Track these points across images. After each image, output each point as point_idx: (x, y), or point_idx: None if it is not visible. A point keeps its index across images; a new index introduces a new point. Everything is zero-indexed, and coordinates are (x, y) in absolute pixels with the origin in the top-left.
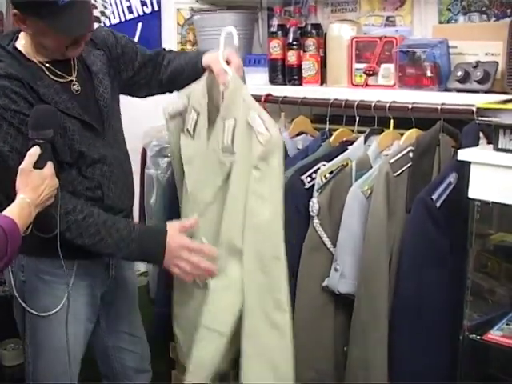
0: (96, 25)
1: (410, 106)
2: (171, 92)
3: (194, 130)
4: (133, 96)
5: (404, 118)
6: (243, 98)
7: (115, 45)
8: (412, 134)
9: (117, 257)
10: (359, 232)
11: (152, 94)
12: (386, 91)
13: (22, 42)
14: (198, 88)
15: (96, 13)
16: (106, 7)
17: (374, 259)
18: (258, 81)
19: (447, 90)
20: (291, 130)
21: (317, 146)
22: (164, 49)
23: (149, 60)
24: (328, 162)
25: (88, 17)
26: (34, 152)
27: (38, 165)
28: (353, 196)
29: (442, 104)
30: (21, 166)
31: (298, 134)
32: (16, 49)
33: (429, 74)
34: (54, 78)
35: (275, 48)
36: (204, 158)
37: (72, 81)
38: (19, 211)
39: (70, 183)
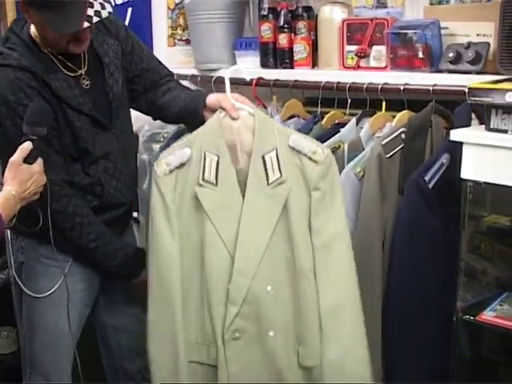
0: (86, 24)
1: (401, 88)
2: (155, 119)
3: (217, 176)
4: None
5: (396, 100)
6: (275, 127)
7: (125, 39)
8: (404, 115)
9: (101, 266)
10: (352, 214)
11: (139, 110)
12: (377, 73)
13: (33, 31)
14: (210, 131)
15: (90, 12)
16: (104, 7)
17: (367, 241)
18: (249, 64)
19: (439, 71)
20: (283, 113)
21: (309, 128)
22: (171, 74)
23: (151, 72)
24: None
25: (81, 14)
26: (27, 147)
27: (29, 160)
28: (345, 178)
29: (434, 85)
30: (11, 159)
31: (289, 118)
32: (30, 36)
33: (420, 55)
34: (65, 71)
35: (266, 31)
36: (244, 205)
37: (82, 75)
38: (4, 202)
39: (71, 177)
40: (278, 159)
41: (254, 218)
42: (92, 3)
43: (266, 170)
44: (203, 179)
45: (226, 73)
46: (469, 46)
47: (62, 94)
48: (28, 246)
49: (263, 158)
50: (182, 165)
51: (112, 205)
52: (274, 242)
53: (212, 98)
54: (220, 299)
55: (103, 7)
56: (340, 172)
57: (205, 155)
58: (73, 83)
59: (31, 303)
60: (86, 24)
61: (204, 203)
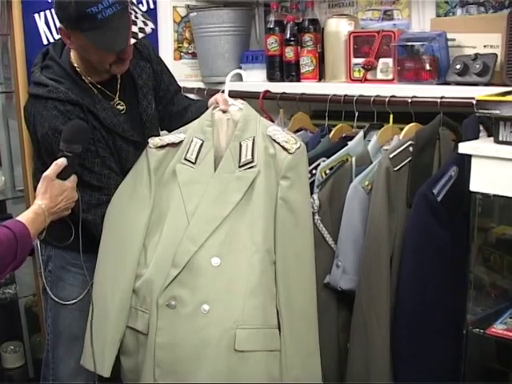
0: (133, 40)
1: (409, 100)
2: (162, 130)
3: (197, 157)
4: None
5: (403, 113)
6: (258, 120)
7: (156, 60)
8: (412, 128)
9: None
10: (360, 228)
11: None
12: (384, 86)
13: (74, 59)
14: (201, 121)
15: (134, 29)
16: (146, 24)
17: (375, 255)
18: (256, 78)
19: (446, 83)
20: (290, 126)
21: (316, 141)
22: (180, 88)
23: (171, 90)
24: (328, 157)
25: (126, 32)
26: (61, 163)
27: (62, 176)
28: (353, 192)
29: (442, 97)
30: (45, 173)
31: (297, 131)
32: (71, 66)
33: (428, 67)
34: (106, 100)
35: (273, 44)
36: (211, 181)
37: (116, 100)
38: (33, 217)
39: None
40: (253, 146)
41: (218, 193)
42: (135, 21)
43: (240, 153)
44: (185, 158)
45: (228, 76)
46: (476, 57)
47: (109, 122)
48: (56, 255)
49: (240, 143)
50: (173, 144)
51: None
52: (234, 220)
53: (211, 99)
54: (166, 265)
55: (146, 24)
56: (348, 186)
57: (192, 139)
58: (116, 111)
59: (57, 310)
60: (132, 40)
61: (179, 176)
